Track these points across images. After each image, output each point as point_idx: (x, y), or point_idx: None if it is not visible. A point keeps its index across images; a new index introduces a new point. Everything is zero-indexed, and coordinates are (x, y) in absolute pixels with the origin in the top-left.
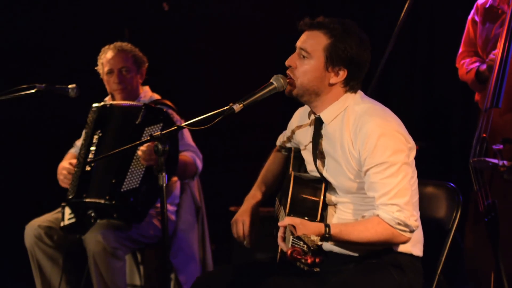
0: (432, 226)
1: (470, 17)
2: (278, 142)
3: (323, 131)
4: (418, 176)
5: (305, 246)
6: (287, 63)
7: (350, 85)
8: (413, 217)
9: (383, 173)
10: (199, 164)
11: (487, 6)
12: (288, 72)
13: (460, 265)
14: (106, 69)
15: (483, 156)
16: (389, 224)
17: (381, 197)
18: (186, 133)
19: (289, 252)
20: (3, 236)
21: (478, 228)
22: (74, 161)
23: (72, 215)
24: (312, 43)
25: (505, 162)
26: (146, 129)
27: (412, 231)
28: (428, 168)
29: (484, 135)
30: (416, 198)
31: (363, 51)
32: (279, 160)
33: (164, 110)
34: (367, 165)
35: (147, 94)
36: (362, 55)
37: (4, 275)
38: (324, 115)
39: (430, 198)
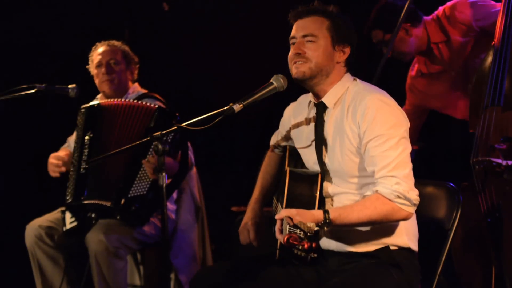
0: (432, 226)
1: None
2: (272, 142)
3: (326, 117)
4: (419, 176)
5: (302, 233)
6: (295, 51)
7: (350, 64)
8: (414, 191)
9: (382, 146)
10: (192, 156)
11: (414, 73)
12: (298, 59)
13: None
14: (95, 62)
15: (484, 156)
16: (388, 198)
17: (380, 170)
18: None
19: (285, 238)
20: (3, 236)
21: (465, 229)
22: (62, 153)
23: (73, 219)
24: (315, 26)
25: (509, 162)
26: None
27: (413, 205)
28: (428, 168)
29: (483, 134)
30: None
31: (354, 30)
32: (274, 161)
33: (177, 114)
34: (366, 138)
35: (135, 89)
36: (355, 33)
37: (5, 275)
38: (327, 99)
39: (430, 198)
